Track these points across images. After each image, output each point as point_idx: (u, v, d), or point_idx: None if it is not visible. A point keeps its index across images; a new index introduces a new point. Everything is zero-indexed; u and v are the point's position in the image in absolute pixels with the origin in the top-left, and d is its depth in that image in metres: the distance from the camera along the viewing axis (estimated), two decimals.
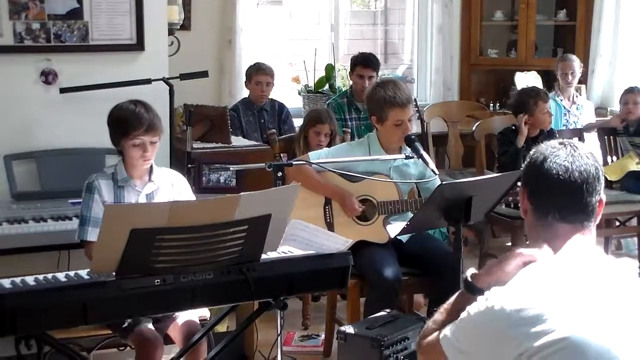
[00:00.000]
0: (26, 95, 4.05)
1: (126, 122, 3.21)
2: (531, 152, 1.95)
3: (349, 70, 5.65)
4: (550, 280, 1.77)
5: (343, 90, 5.88)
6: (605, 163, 5.41)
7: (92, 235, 3.19)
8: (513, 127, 4.99)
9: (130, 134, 3.20)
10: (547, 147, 1.91)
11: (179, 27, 4.95)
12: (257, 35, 6.62)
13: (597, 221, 1.92)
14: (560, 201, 1.87)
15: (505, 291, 1.78)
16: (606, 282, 1.79)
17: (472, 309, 1.82)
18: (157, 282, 2.59)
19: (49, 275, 2.60)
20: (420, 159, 3.70)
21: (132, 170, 3.31)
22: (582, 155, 1.88)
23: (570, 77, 5.97)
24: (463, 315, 1.85)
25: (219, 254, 2.64)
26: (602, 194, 1.90)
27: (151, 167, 3.35)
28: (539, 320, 1.70)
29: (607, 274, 1.82)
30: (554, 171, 1.86)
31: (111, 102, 3.45)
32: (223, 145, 4.63)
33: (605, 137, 5.65)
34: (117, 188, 3.29)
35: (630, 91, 5.55)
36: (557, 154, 1.88)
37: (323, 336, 4.29)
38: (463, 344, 1.84)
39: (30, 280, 2.57)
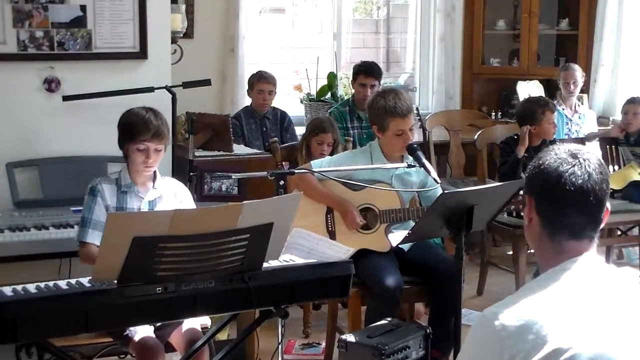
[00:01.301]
0: (29, 103, 4.06)
1: (134, 126, 3.24)
2: (541, 162, 1.84)
3: (351, 78, 5.65)
4: (551, 295, 1.74)
5: (345, 98, 5.89)
6: None
7: (91, 237, 3.22)
8: (515, 137, 4.99)
9: (136, 138, 3.23)
10: (561, 161, 1.81)
11: (181, 35, 4.96)
12: (260, 44, 6.64)
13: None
14: (572, 220, 1.80)
15: (504, 308, 1.74)
16: (608, 293, 1.77)
17: (471, 330, 1.79)
18: (159, 290, 2.59)
19: (51, 283, 2.60)
20: (422, 168, 3.70)
21: (135, 176, 3.33)
22: (595, 170, 1.80)
23: (572, 86, 5.98)
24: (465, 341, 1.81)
25: (220, 262, 2.64)
26: (607, 203, 1.85)
27: (155, 174, 3.37)
28: (540, 334, 1.67)
29: (609, 286, 1.80)
30: (571, 191, 1.78)
31: (114, 110, 3.46)
32: (225, 153, 4.63)
33: (607, 146, 5.65)
34: (120, 193, 3.31)
35: (631, 102, 5.56)
36: (573, 171, 1.79)
37: (324, 344, 4.28)
38: None
39: (31, 288, 2.57)
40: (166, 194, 3.38)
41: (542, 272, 1.86)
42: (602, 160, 1.87)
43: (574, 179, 1.79)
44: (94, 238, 3.21)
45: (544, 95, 6.21)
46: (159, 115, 3.31)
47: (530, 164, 1.89)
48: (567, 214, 1.81)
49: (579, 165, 1.81)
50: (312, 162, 3.91)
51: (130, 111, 3.33)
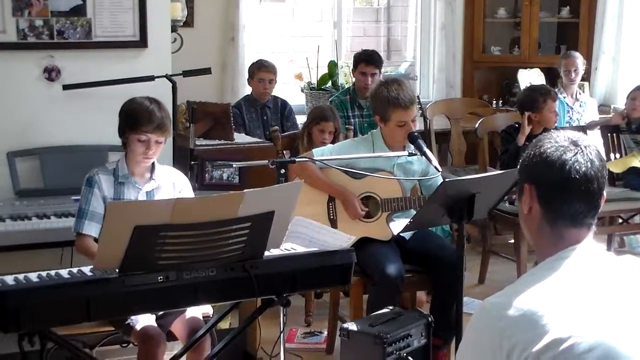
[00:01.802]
0: (29, 92, 4.05)
1: (137, 116, 3.22)
2: (541, 150, 1.81)
3: (351, 67, 5.64)
4: (550, 284, 1.73)
5: (346, 87, 5.88)
6: (609, 160, 5.40)
7: (88, 228, 3.21)
8: (516, 125, 4.99)
9: (138, 129, 3.21)
10: (564, 149, 1.79)
11: (182, 24, 4.95)
12: (260, 32, 6.63)
13: None
14: (576, 207, 1.79)
15: (503, 298, 1.73)
16: (608, 281, 1.76)
17: (471, 320, 1.77)
18: (160, 278, 2.59)
19: (52, 272, 2.61)
20: (423, 156, 3.70)
21: (133, 166, 3.32)
22: (595, 158, 1.79)
23: (573, 74, 5.97)
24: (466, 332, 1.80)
25: (222, 251, 2.65)
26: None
27: (153, 165, 3.35)
28: (540, 324, 1.66)
29: (609, 273, 1.79)
30: (576, 179, 1.76)
31: (114, 99, 3.45)
32: (226, 142, 4.62)
33: (609, 134, 5.64)
34: (118, 184, 3.30)
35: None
36: (576, 159, 1.77)
37: (325, 333, 4.29)
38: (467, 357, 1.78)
39: (33, 277, 2.57)
40: (164, 184, 3.37)
41: (540, 261, 1.84)
42: (598, 147, 1.86)
43: (577, 167, 1.77)
44: (91, 229, 3.21)
45: (545, 83, 6.19)
46: (162, 107, 3.29)
47: (527, 152, 1.86)
48: (571, 201, 1.79)
49: (582, 153, 1.79)
50: (313, 150, 3.90)
51: (133, 100, 3.30)
